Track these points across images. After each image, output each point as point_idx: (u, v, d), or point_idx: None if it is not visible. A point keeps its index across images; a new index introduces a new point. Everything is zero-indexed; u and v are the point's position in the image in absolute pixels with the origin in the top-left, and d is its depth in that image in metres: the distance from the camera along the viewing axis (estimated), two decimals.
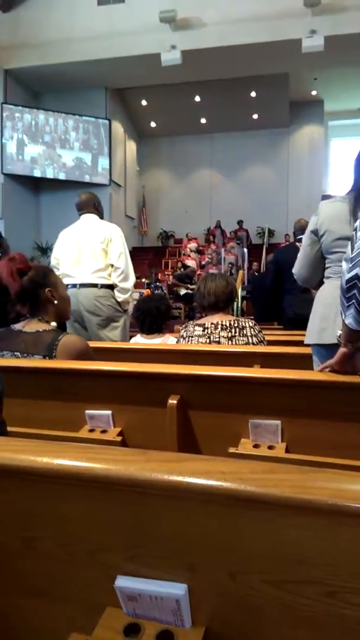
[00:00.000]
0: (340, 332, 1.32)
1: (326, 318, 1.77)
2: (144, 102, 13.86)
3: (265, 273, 8.68)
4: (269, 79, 11.97)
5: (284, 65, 11.18)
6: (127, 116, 14.13)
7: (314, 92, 13.99)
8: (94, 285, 3.36)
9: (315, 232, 1.90)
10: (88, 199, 3.59)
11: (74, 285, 3.38)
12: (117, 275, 3.38)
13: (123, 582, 0.66)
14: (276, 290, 4.23)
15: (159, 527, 0.65)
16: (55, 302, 1.82)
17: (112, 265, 3.39)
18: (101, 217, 3.61)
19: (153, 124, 14.99)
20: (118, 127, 13.36)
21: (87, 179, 12.38)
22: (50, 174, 12.16)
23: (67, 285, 3.44)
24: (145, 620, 0.68)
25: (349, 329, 1.26)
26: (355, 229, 1.16)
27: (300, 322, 3.75)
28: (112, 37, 10.37)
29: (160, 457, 0.63)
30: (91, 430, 1.62)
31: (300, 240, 4.24)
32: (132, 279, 3.47)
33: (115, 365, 1.64)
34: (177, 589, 0.64)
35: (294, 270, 2.03)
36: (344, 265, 1.19)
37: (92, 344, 2.78)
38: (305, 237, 1.96)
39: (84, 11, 10.59)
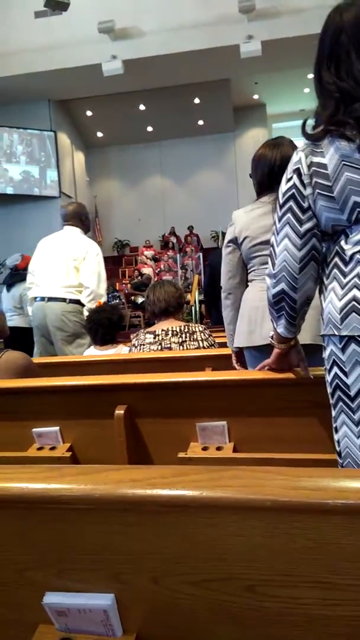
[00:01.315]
0: (272, 333, 1.36)
1: (254, 321, 1.81)
2: (89, 113, 13.79)
3: None
4: (211, 85, 12.12)
5: (225, 71, 11.35)
6: (73, 127, 14.03)
7: (255, 96, 14.25)
8: (63, 300, 3.29)
9: (233, 241, 1.94)
10: (74, 211, 3.52)
11: (42, 298, 3.32)
12: (86, 295, 3.31)
13: (51, 598, 0.67)
14: (213, 294, 4.33)
15: (82, 540, 0.65)
16: None
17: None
18: (86, 231, 3.54)
19: (100, 134, 14.92)
20: (64, 139, 13.25)
21: (36, 192, 12.21)
22: None
23: (35, 297, 3.38)
24: (77, 633, 0.68)
25: (280, 335, 1.30)
26: (272, 245, 1.20)
27: None
28: (51, 49, 10.28)
29: (74, 471, 0.63)
30: (40, 449, 1.61)
31: None
32: (103, 300, 3.40)
33: (60, 380, 1.63)
34: (104, 600, 0.65)
35: (222, 284, 2.05)
36: (268, 280, 1.23)
37: (43, 359, 2.75)
38: (225, 247, 1.99)
39: (21, 24, 10.46)
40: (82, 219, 3.53)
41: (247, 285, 1.96)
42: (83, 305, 3.34)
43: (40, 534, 0.66)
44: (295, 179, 1.13)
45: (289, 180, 1.15)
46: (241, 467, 0.60)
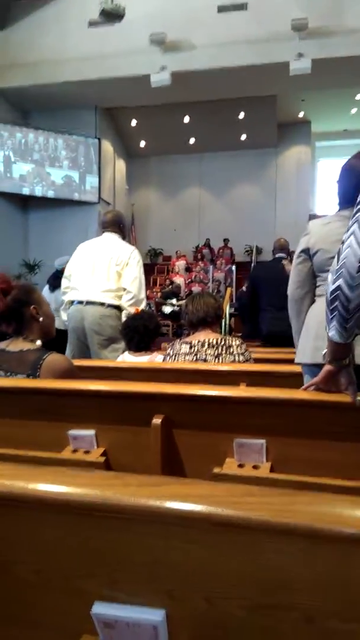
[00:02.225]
0: (326, 349, 1.32)
1: (321, 337, 1.75)
2: (133, 122, 14.00)
3: None
4: (257, 100, 12.17)
5: (272, 87, 11.38)
6: (117, 135, 14.26)
7: (301, 114, 14.23)
8: (101, 304, 3.32)
9: (306, 251, 1.91)
10: (114, 219, 3.60)
11: (80, 302, 3.35)
12: (128, 300, 3.34)
13: (100, 608, 0.65)
14: (252, 308, 4.30)
15: (137, 552, 0.63)
16: (40, 319, 1.81)
17: (124, 289, 3.35)
18: (123, 238, 3.60)
19: (143, 144, 15.13)
20: (107, 146, 13.47)
21: (76, 197, 12.42)
22: (39, 192, 12.18)
23: (73, 300, 3.42)
24: None
25: (333, 343, 1.27)
26: (342, 242, 1.17)
27: (273, 339, 3.81)
28: (102, 58, 10.50)
29: (137, 481, 0.62)
30: (74, 451, 1.60)
31: (279, 260, 4.33)
32: (143, 306, 3.43)
33: (99, 384, 1.62)
34: (154, 615, 0.63)
35: (289, 292, 2.02)
36: (329, 277, 1.21)
37: (78, 361, 2.76)
38: (296, 257, 1.96)
39: (75, 32, 10.73)
40: (120, 226, 3.60)
41: (314, 301, 1.93)
42: (121, 311, 3.36)
43: (95, 542, 0.64)
44: None
45: None
46: (316, 493, 0.58)
